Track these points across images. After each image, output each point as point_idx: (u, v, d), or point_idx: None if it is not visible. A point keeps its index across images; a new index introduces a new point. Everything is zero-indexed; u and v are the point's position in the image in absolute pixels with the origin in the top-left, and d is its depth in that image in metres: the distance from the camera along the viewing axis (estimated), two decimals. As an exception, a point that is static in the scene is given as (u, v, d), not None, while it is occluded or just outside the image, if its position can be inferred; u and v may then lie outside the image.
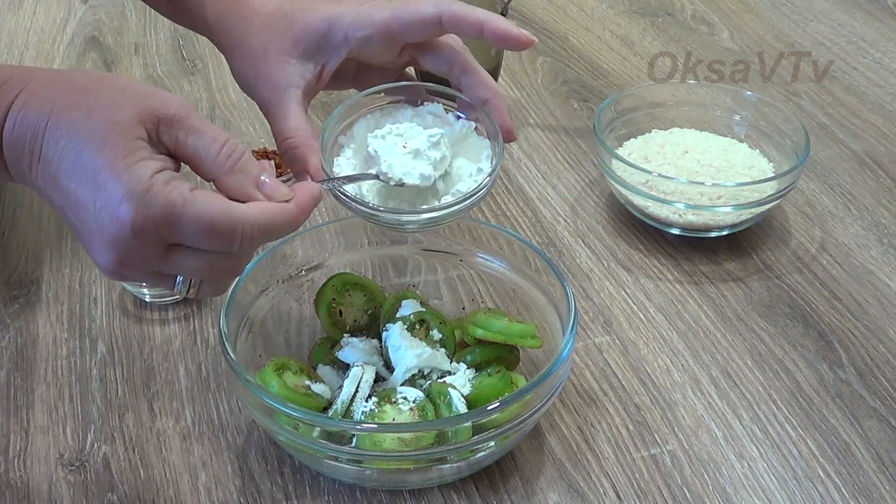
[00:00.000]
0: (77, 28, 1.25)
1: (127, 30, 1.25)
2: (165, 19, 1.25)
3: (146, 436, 0.67)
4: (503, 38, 0.65)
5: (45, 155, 0.51)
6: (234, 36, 0.67)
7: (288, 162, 0.63)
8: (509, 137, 0.64)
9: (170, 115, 0.52)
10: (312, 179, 0.61)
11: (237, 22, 0.67)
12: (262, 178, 0.55)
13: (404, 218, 0.62)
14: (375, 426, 0.60)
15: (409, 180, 0.61)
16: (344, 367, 0.68)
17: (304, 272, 0.73)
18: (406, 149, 0.61)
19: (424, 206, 0.62)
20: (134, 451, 0.66)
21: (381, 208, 0.61)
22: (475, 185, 0.61)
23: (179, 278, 0.54)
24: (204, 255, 0.52)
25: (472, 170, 0.63)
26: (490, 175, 0.62)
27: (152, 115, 0.52)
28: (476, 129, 0.65)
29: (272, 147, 0.94)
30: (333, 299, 0.70)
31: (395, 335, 0.66)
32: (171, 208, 0.50)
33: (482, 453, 0.60)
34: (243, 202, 0.53)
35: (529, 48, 0.66)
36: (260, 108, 0.66)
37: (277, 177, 0.88)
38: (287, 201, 0.55)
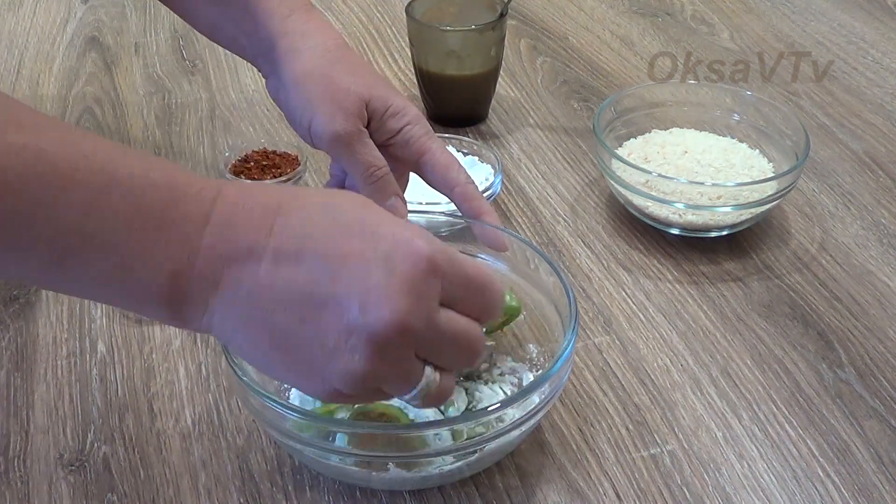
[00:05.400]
0: (77, 28, 1.25)
1: (127, 30, 1.25)
2: (166, 19, 1.26)
3: (146, 436, 0.67)
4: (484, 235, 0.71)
5: (281, 229, 0.47)
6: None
7: (378, 189, 0.70)
8: (502, 248, 0.70)
9: None
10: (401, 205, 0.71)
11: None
12: None
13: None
14: (367, 427, 0.59)
15: None
16: None
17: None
18: None
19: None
20: (134, 451, 0.66)
21: None
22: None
23: (427, 373, 0.49)
24: (464, 317, 0.49)
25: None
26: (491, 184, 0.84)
27: None
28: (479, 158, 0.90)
29: (272, 147, 0.94)
30: None
31: None
32: (450, 250, 0.48)
33: (482, 453, 0.60)
34: None
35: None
36: (331, 140, 0.70)
37: (277, 177, 0.89)
38: None
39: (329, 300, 0.45)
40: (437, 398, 0.50)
